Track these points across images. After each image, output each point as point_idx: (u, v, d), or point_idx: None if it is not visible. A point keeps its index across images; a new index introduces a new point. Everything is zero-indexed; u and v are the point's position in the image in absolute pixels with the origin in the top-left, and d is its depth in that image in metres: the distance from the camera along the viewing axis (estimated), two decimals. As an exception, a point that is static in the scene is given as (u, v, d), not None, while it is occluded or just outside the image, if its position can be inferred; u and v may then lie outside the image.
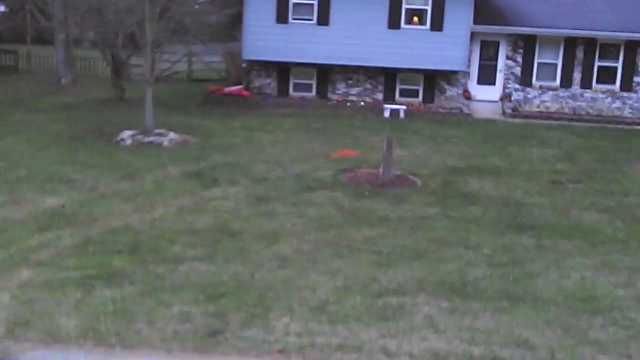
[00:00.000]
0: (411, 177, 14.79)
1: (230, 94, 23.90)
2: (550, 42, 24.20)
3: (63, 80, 29.59)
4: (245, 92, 23.89)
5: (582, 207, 13.09)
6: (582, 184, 15.00)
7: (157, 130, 17.76)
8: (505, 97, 24.24)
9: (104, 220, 11.07)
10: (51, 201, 12.01)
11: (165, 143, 17.16)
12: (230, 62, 29.26)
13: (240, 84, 26.03)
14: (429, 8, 23.44)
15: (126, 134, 17.56)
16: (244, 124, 20.27)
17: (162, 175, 14.21)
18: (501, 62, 24.56)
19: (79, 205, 11.89)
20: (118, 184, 13.38)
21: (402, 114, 22.59)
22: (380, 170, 14.41)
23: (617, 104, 24.50)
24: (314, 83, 25.04)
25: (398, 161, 15.49)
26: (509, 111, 23.80)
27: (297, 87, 25.14)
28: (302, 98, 24.78)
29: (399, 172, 14.84)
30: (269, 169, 14.97)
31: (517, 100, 24.54)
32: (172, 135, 17.67)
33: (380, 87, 24.83)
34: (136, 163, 15.07)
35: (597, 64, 24.27)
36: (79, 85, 29.11)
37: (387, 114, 22.61)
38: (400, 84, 24.77)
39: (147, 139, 17.20)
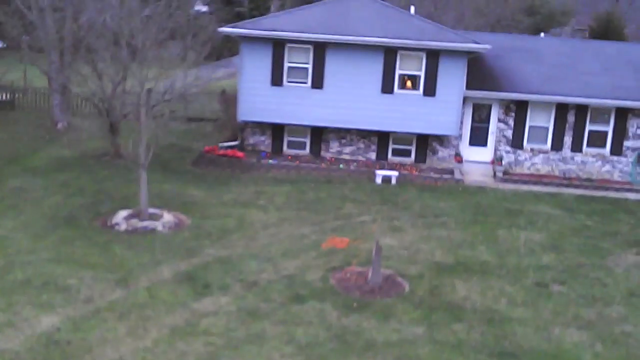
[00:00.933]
0: (399, 279, 15.10)
1: (224, 155, 24.17)
2: (542, 106, 24.52)
3: (59, 125, 29.86)
4: (239, 154, 24.17)
5: (564, 322, 13.44)
6: (566, 285, 15.34)
7: (151, 211, 18.06)
8: (497, 160, 24.55)
9: (98, 350, 11.39)
10: (47, 321, 12.31)
11: (159, 228, 17.45)
12: (225, 110, 29.51)
13: (235, 137, 26.32)
14: (422, 74, 23.75)
15: (120, 216, 17.85)
16: (237, 197, 20.56)
17: (155, 278, 14.51)
18: (493, 124, 24.89)
19: (74, 327, 12.19)
20: (112, 293, 13.68)
21: (393, 180, 22.91)
22: (369, 273, 14.73)
23: (607, 167, 24.85)
24: (307, 141, 25.35)
25: (387, 255, 15.84)
26: (500, 174, 24.13)
27: (291, 144, 25.44)
28: (296, 156, 25.09)
29: (388, 272, 15.16)
30: (260, 268, 15.28)
31: (508, 163, 24.87)
32: (165, 216, 17.97)
33: (373, 147, 25.14)
34: (130, 260, 15.37)
35: (588, 128, 24.62)
36: (75, 130, 29.38)
37: (379, 180, 22.92)
38: (393, 143, 25.09)
39: (141, 224, 17.48)
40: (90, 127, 29.26)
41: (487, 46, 23.15)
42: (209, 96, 40.30)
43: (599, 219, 20.55)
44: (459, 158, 24.72)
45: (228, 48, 63.93)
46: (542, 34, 30.94)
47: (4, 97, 34.23)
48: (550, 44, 27.93)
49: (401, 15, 24.77)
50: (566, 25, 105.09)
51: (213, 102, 34.88)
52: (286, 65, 23.98)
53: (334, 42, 23.53)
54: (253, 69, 24.00)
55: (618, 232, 19.49)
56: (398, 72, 23.78)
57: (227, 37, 63.54)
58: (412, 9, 30.48)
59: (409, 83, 23.97)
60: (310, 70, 23.97)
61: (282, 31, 23.51)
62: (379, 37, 23.29)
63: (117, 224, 17.58)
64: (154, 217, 17.90)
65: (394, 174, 23.07)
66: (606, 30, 45.46)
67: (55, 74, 28.23)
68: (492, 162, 24.77)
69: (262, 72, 24.01)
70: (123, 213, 18.07)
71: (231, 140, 26.22)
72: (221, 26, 25.88)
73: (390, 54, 23.59)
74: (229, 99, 32.51)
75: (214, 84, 50.00)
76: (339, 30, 23.58)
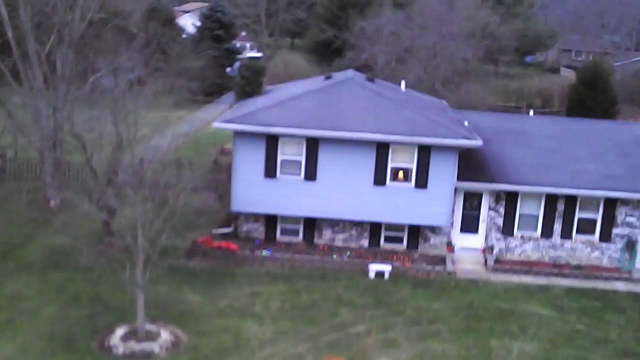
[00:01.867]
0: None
1: (219, 247, 24.34)
2: (532, 196, 24.86)
3: (52, 202, 29.94)
4: (233, 246, 24.35)
5: None
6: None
7: (148, 327, 18.22)
8: (488, 249, 24.86)
9: None
10: None
11: (156, 350, 17.62)
12: (219, 201, 29.50)
13: (229, 223, 26.51)
14: (414, 166, 24.04)
15: (117, 335, 18.03)
16: (233, 303, 20.72)
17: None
18: (484, 212, 25.20)
19: None
20: None
21: (386, 275, 23.16)
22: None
23: (596, 253, 25.20)
24: (300, 229, 25.56)
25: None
26: (491, 263, 24.44)
27: (284, 231, 25.65)
28: (289, 243, 25.29)
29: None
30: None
31: (499, 249, 25.19)
32: (162, 335, 18.15)
33: (366, 234, 25.40)
34: (129, 398, 15.52)
35: (577, 216, 24.96)
36: (68, 208, 29.43)
37: (372, 275, 23.17)
38: (386, 231, 25.34)
39: (138, 347, 17.63)
40: (83, 206, 29.44)
41: (479, 142, 23.48)
42: (201, 156, 40.66)
43: (590, 321, 20.84)
44: (450, 248, 25.00)
45: (217, 84, 64.16)
46: (531, 112, 31.24)
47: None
48: (539, 124, 28.31)
49: (392, 105, 25.04)
50: (552, 47, 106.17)
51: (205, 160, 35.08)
52: (280, 158, 24.22)
53: (327, 138, 23.80)
54: (247, 161, 24.24)
55: (608, 339, 19.79)
56: (390, 164, 24.06)
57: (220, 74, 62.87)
58: (403, 83, 30.91)
59: (401, 175, 24.25)
60: (303, 163, 24.22)
61: (275, 126, 23.76)
62: (371, 132, 23.57)
63: (114, 346, 17.72)
64: (151, 336, 18.06)
65: (386, 268, 23.31)
66: (593, 77, 46.04)
67: (47, 137, 28.42)
68: (484, 251, 25.06)
69: (256, 164, 24.24)
70: (120, 332, 18.23)
71: (225, 226, 26.41)
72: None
73: (382, 148, 23.89)
74: (222, 171, 32.80)
75: (205, 130, 50.40)
76: (331, 124, 23.86)
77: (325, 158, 24.13)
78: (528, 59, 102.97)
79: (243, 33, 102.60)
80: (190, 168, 32.07)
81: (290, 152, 24.25)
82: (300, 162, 24.26)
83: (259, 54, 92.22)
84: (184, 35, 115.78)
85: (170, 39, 65.78)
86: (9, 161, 34.10)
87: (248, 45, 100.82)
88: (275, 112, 24.49)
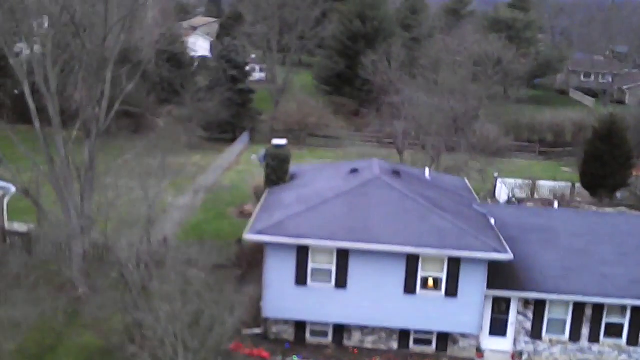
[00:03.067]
0: None
1: (250, 354, 24.57)
2: (560, 302, 25.05)
3: (80, 291, 30.17)
4: (264, 354, 24.58)
5: None
6: None
7: None
8: (517, 356, 25.07)
9: None
10: None
11: None
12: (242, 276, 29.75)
13: (258, 324, 26.73)
14: (444, 276, 24.25)
15: None
16: None
17: None
18: (512, 316, 25.38)
19: None
20: None
21: (418, 387, 23.40)
22: None
23: (624, 357, 25.38)
24: (330, 330, 25.76)
25: None
26: (521, 369, 24.69)
27: (314, 333, 25.84)
28: (319, 346, 25.51)
29: None
30: None
31: (527, 353, 25.39)
32: None
33: (395, 336, 25.59)
34: None
35: (605, 320, 25.14)
36: (97, 297, 29.64)
37: (403, 387, 23.40)
38: (415, 334, 25.53)
39: None
40: (111, 298, 29.67)
41: (509, 256, 23.68)
42: (221, 221, 40.83)
43: None
44: (480, 354, 25.21)
45: (231, 124, 64.23)
46: (555, 204, 31.43)
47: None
48: (565, 220, 28.45)
49: (421, 210, 25.23)
50: (562, 71, 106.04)
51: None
52: (310, 266, 24.45)
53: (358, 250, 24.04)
54: (277, 269, 24.48)
55: None
56: (420, 274, 24.27)
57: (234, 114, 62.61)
58: (427, 171, 31.11)
59: (430, 283, 24.46)
60: (334, 272, 24.45)
61: (306, 238, 23.98)
62: (401, 245, 23.78)
63: None
64: None
65: (417, 379, 23.55)
66: (610, 133, 46.14)
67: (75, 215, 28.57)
68: (513, 356, 25.27)
69: (287, 273, 24.48)
70: None
71: (255, 326, 26.62)
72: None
73: (412, 258, 24.10)
74: (246, 257, 32.88)
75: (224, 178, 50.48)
76: (361, 235, 24.08)
77: (355, 267, 24.35)
78: (536, 80, 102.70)
79: (253, 56, 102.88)
80: (211, 249, 32.67)
81: (321, 261, 24.48)
82: (331, 271, 24.49)
83: (262, 74, 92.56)
84: (193, 54, 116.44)
85: (184, 80, 66.25)
86: (35, 242, 34.34)
87: (257, 67, 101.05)
88: (305, 221, 24.69)
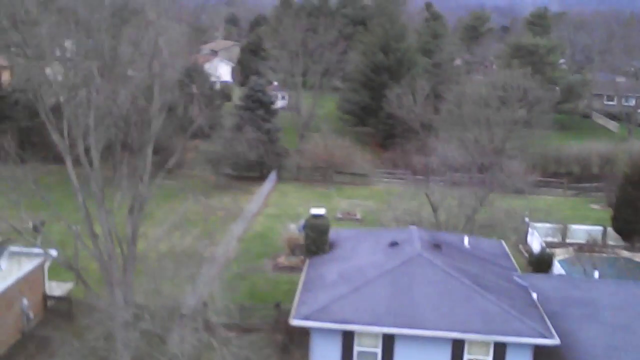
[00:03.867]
0: None
1: None
2: None
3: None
4: None
5: None
6: None
7: None
8: None
9: None
10: None
11: None
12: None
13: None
14: (489, 358, 24.34)
15: None
16: None
17: None
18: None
19: None
20: None
21: None
22: None
23: None
24: (375, 411, 25.93)
25: None
26: None
27: (358, 412, 26.01)
28: None
29: None
30: None
31: None
32: None
33: (441, 415, 25.70)
34: None
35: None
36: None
37: None
38: (460, 411, 25.63)
39: None
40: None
41: (555, 341, 23.75)
42: (257, 275, 41.03)
43: None
44: None
45: (259, 164, 64.51)
46: (596, 274, 31.44)
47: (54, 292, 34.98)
48: (607, 291, 28.43)
49: (464, 291, 25.36)
50: (584, 97, 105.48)
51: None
52: (356, 349, 24.64)
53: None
54: (323, 352, 24.70)
55: None
56: (466, 357, 24.37)
57: (262, 154, 62.83)
58: (466, 240, 31.24)
59: (476, 366, 24.57)
60: (379, 355, 24.61)
61: (351, 324, 24.20)
62: (446, 330, 23.93)
63: None
64: None
65: None
66: (640, 178, 46.13)
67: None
68: None
69: (333, 355, 24.68)
70: None
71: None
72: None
73: (458, 343, 24.23)
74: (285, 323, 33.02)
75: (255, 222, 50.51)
76: (406, 320, 24.25)
77: (401, 350, 24.52)
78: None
79: (275, 83, 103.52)
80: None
81: (367, 344, 24.66)
82: (376, 354, 24.66)
83: (284, 102, 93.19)
84: (213, 79, 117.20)
85: (212, 119, 66.71)
86: (75, 306, 34.81)
87: (280, 95, 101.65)
88: (350, 304, 24.89)
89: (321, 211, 31.48)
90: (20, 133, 64.35)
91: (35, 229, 34.81)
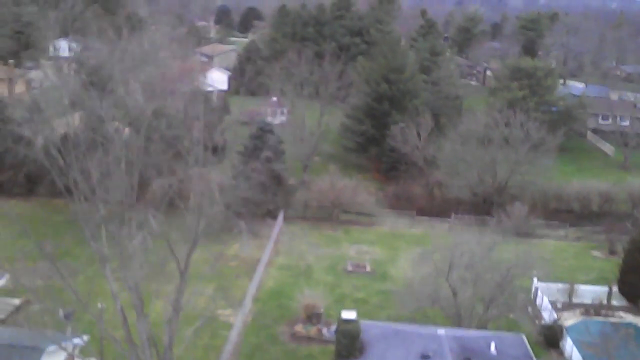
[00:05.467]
0: None
1: None
2: None
3: None
4: None
5: None
6: None
7: None
8: None
9: None
10: None
11: None
12: None
13: None
14: None
15: None
16: None
17: None
18: None
19: None
20: None
21: None
22: None
23: None
24: None
25: None
26: None
27: None
28: None
29: None
30: None
31: None
32: None
33: None
34: None
35: None
36: None
37: None
38: None
39: None
40: None
41: None
42: (275, 346, 41.68)
43: None
44: None
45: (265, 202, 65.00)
46: None
47: None
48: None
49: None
50: (582, 120, 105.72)
51: None
52: None
53: None
54: None
55: None
56: None
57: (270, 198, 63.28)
58: (493, 346, 32.18)
59: None
60: None
61: None
62: None
63: None
64: None
65: None
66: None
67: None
68: None
69: None
70: None
71: None
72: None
73: None
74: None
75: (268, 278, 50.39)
76: None
77: None
78: (554, 109, 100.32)
79: (274, 99, 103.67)
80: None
81: None
82: None
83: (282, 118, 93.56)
84: (210, 89, 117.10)
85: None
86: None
87: (279, 110, 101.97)
88: None
89: (352, 315, 32.31)
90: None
91: (66, 317, 35.39)
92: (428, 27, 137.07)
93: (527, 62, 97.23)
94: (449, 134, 73.80)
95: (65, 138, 58.04)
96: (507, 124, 69.67)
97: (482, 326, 37.52)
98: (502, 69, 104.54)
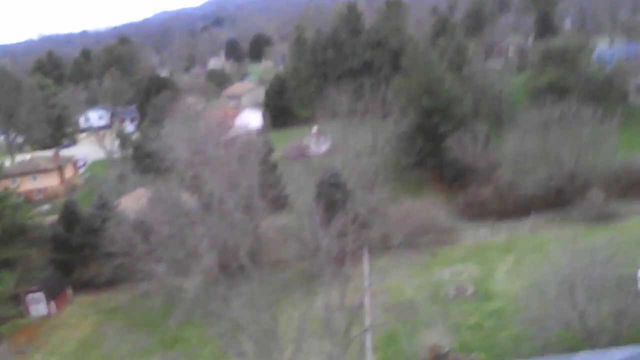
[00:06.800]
0: None
1: None
2: None
3: None
4: None
5: None
6: None
7: None
8: None
9: None
10: None
11: None
12: None
13: None
14: None
15: None
16: None
17: None
18: None
19: None
20: None
21: None
22: None
23: None
24: None
25: None
26: None
27: None
28: None
29: None
30: None
31: None
32: None
33: None
34: None
35: None
36: None
37: None
38: None
39: None
40: None
41: None
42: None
43: None
44: None
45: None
46: None
47: None
48: None
49: None
50: (627, 85, 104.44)
51: None
52: None
53: None
54: None
55: None
56: None
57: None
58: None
59: None
60: None
61: None
62: None
63: None
64: None
65: None
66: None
67: None
68: None
69: None
70: None
71: None
72: None
73: None
74: None
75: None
76: None
77: None
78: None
79: (314, 128, 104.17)
80: None
81: None
82: None
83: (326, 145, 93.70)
84: (247, 130, 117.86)
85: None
86: None
87: (321, 138, 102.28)
88: None
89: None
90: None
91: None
92: (442, 23, 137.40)
93: (557, 42, 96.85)
94: (505, 134, 73.96)
95: (139, 223, 59.23)
96: (561, 115, 69.64)
97: (614, 342, 37.52)
98: (532, 53, 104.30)
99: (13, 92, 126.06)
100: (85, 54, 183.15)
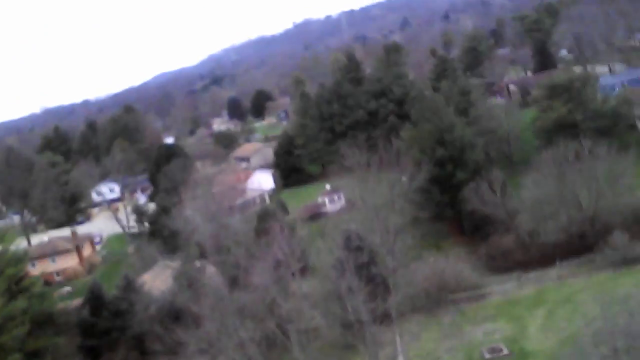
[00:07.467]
0: None
1: None
2: None
3: None
4: None
5: None
6: None
7: None
8: None
9: None
10: None
11: None
12: None
13: None
14: None
15: None
16: None
17: None
18: None
19: None
20: None
21: None
22: None
23: None
24: None
25: None
26: None
27: None
28: None
29: None
30: None
31: None
32: None
33: None
34: None
35: None
36: None
37: None
38: None
39: None
40: None
41: None
42: None
43: None
44: None
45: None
46: None
47: None
48: None
49: None
50: (632, 117, 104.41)
51: None
52: None
53: None
54: None
55: None
56: None
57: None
58: None
59: None
60: None
61: None
62: None
63: None
64: None
65: None
66: None
67: None
68: None
69: None
70: None
71: None
72: None
73: None
74: None
75: None
76: None
77: None
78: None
79: (327, 186, 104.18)
80: None
81: None
82: None
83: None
84: (260, 193, 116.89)
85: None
86: None
87: (336, 197, 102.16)
88: None
89: None
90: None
91: None
92: (443, 64, 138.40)
93: (561, 77, 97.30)
94: (519, 178, 73.96)
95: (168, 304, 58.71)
96: (577, 155, 69.69)
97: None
98: (535, 88, 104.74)
99: (25, 172, 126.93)
100: (92, 126, 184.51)
